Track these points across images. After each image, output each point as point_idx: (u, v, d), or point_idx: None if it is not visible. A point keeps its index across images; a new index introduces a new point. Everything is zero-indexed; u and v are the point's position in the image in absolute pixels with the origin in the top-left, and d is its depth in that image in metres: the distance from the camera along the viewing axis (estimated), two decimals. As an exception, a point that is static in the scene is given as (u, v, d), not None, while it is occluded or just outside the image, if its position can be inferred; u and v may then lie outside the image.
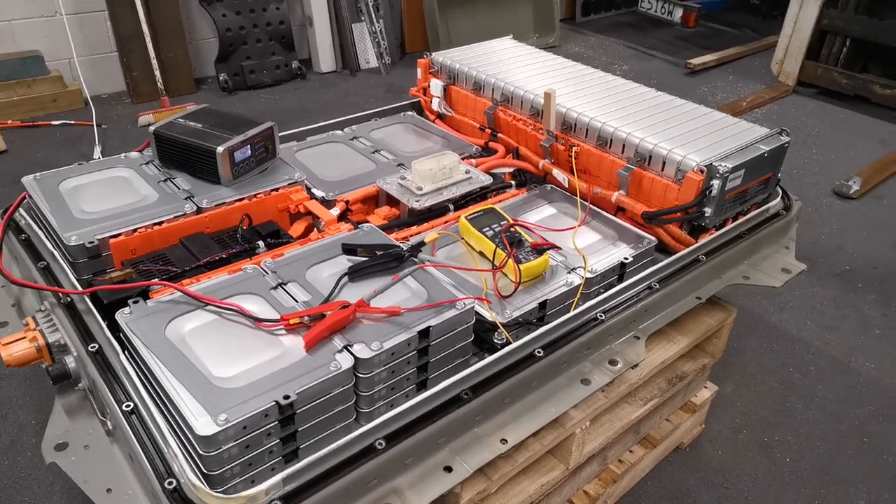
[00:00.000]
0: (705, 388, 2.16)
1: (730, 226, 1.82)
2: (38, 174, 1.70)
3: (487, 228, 1.61)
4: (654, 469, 2.11)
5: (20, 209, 1.68)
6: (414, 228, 1.72)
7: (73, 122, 4.14)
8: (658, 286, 1.61)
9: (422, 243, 1.52)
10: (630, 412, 1.74)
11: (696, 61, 5.65)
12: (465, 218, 1.63)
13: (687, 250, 1.70)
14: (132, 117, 4.25)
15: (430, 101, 2.36)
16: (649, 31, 6.60)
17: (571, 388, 1.43)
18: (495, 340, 1.40)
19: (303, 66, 5.00)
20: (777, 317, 2.82)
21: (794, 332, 2.73)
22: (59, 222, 1.52)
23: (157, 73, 4.33)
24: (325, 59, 5.14)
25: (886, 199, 3.79)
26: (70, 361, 1.29)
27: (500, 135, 2.15)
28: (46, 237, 1.55)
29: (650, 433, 2.02)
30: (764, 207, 1.91)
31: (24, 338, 1.32)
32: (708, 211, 1.73)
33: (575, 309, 1.49)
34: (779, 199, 1.96)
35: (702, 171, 1.68)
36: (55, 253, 1.48)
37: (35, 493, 1.98)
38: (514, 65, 2.29)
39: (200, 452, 1.05)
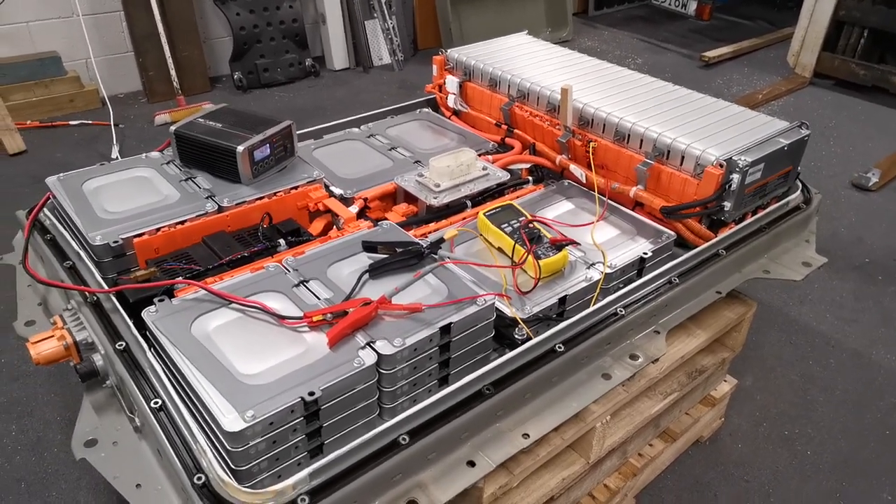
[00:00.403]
0: (725, 381, 2.16)
1: (749, 220, 1.81)
2: (61, 175, 1.72)
3: (506, 224, 1.61)
4: (673, 462, 2.11)
5: (45, 209, 1.70)
6: (432, 225, 1.73)
7: (90, 121, 4.18)
8: (678, 281, 1.61)
9: (441, 240, 1.52)
10: (650, 406, 1.74)
11: (710, 54, 5.60)
12: (484, 214, 1.64)
13: (706, 245, 1.69)
14: (148, 116, 4.28)
15: (446, 98, 2.36)
16: (663, 24, 6.55)
17: (592, 382, 1.44)
18: (516, 336, 1.40)
19: (316, 63, 5.02)
20: (796, 310, 2.80)
21: (814, 325, 2.72)
22: (83, 222, 1.54)
23: (173, 72, 4.37)
24: (339, 56, 5.16)
25: (906, 190, 3.75)
26: (97, 359, 1.31)
27: (516, 131, 2.15)
28: (71, 237, 1.58)
29: (670, 427, 2.02)
30: (784, 201, 1.90)
31: (53, 336, 1.34)
32: (727, 205, 1.72)
33: (595, 304, 1.49)
34: (798, 192, 1.94)
35: (721, 166, 1.68)
36: (80, 252, 1.51)
37: (62, 489, 2.01)
38: (529, 60, 2.29)
39: (228, 448, 1.07)
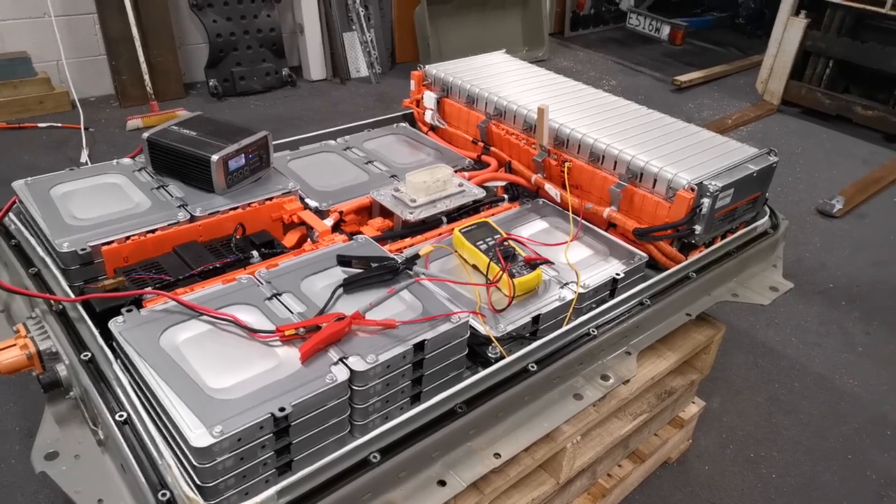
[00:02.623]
0: (693, 403, 2.18)
1: (719, 243, 1.84)
2: (29, 179, 1.68)
3: (481, 242, 1.62)
4: (642, 483, 2.12)
5: (10, 214, 1.66)
6: (408, 240, 1.73)
7: (59, 124, 4.10)
8: (649, 302, 1.62)
9: (416, 256, 1.52)
10: (620, 427, 1.76)
11: (682, 78, 5.72)
12: (459, 231, 1.64)
13: (677, 267, 1.72)
14: (120, 121, 4.22)
15: (423, 113, 2.37)
16: (637, 47, 6.68)
17: (564, 402, 1.44)
18: (489, 354, 1.40)
19: (293, 73, 5.00)
20: (763, 333, 2.85)
21: (780, 349, 2.77)
22: (50, 228, 1.51)
23: (147, 76, 4.31)
24: (316, 67, 5.15)
25: (869, 217, 3.86)
26: (61, 370, 1.28)
27: (492, 148, 2.17)
28: (38, 243, 1.54)
29: (639, 448, 2.03)
30: (752, 226, 1.94)
31: (15, 345, 1.30)
32: (698, 228, 1.75)
33: (568, 324, 1.50)
34: (766, 217, 1.99)
35: (692, 190, 1.71)
36: (46, 259, 1.47)
37: (19, 502, 1.94)
38: (507, 79, 2.31)
39: (195, 464, 1.04)
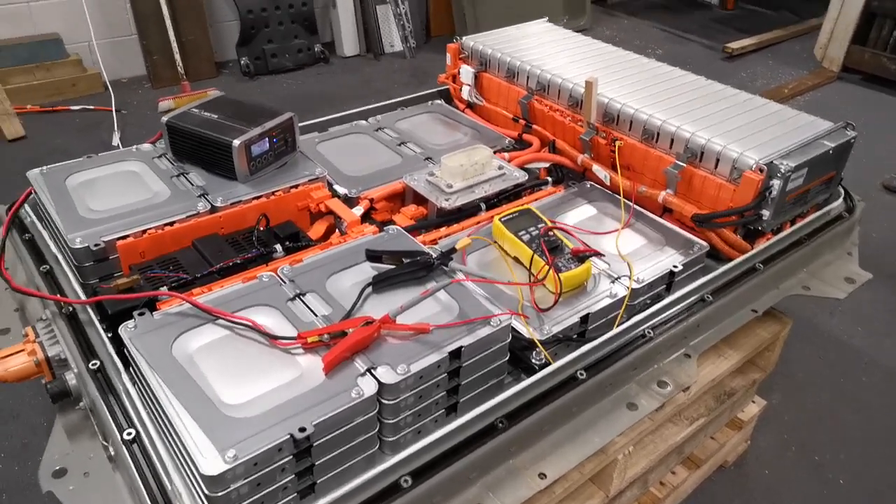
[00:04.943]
0: (752, 402, 2.02)
1: (788, 230, 1.66)
2: (44, 168, 1.59)
3: (523, 232, 1.47)
4: (696, 490, 1.97)
5: (25, 205, 1.57)
6: (443, 230, 1.59)
7: (92, 107, 4.06)
8: (711, 298, 1.46)
9: (452, 250, 1.38)
10: (675, 433, 1.61)
11: (734, 45, 5.41)
12: (500, 220, 1.50)
13: (743, 257, 1.55)
14: (152, 102, 4.14)
15: (460, 89, 2.21)
16: (684, 13, 6.35)
17: (617, 413, 1.30)
18: (533, 361, 1.26)
19: (326, 49, 4.87)
20: (826, 322, 2.65)
21: (846, 340, 2.57)
22: (63, 222, 1.41)
23: (177, 56, 4.23)
24: (349, 42, 5.00)
25: (941, 193, 3.57)
26: (71, 378, 1.19)
27: (535, 126, 2.00)
28: (51, 238, 1.45)
29: (694, 453, 1.89)
30: (825, 209, 1.75)
31: (23, 350, 1.22)
32: (766, 214, 1.57)
33: (620, 324, 1.35)
34: (841, 199, 1.79)
35: (761, 170, 1.53)
36: (58, 256, 1.38)
37: (46, 501, 1.90)
38: (550, 50, 2.13)
39: (206, 493, 0.94)
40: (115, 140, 3.68)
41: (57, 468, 1.11)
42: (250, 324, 1.16)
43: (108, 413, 1.08)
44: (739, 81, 4.93)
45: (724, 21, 6.17)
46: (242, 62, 4.58)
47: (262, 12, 4.54)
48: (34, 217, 1.53)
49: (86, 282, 1.36)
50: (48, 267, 1.39)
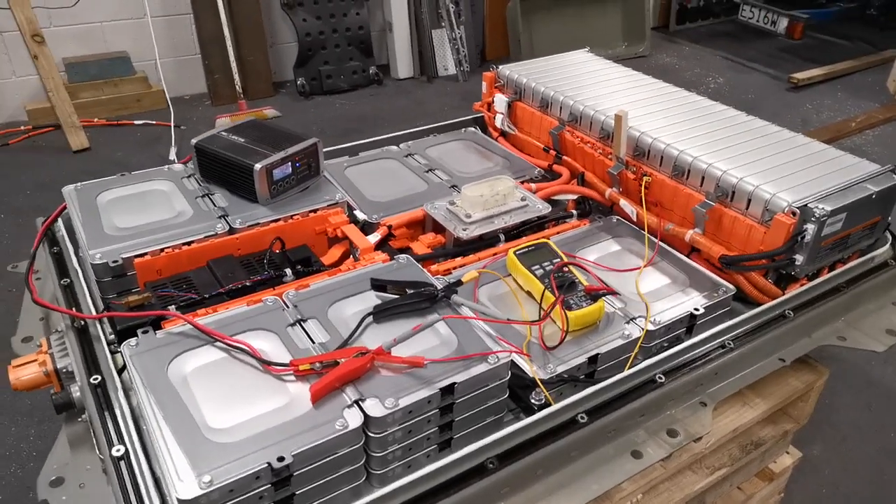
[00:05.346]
0: (787, 453, 1.90)
1: (825, 276, 1.57)
2: (79, 184, 1.66)
3: (538, 266, 1.44)
4: (719, 544, 1.87)
5: (59, 219, 1.64)
6: (458, 260, 1.57)
7: (153, 122, 4.24)
8: (732, 345, 1.39)
9: (459, 282, 1.37)
10: (694, 482, 1.52)
11: (800, 76, 5.22)
12: (514, 253, 1.47)
13: (771, 303, 1.47)
14: (211, 119, 4.31)
15: (494, 118, 2.20)
16: (750, 41, 6.18)
17: (619, 461, 1.24)
18: (532, 400, 1.23)
19: (380, 71, 4.96)
20: (879, 370, 2.49)
21: (899, 391, 2.41)
22: (87, 237, 1.47)
23: (236, 75, 4.38)
24: (403, 65, 5.08)
25: None
26: (75, 390, 1.22)
27: (565, 158, 1.97)
28: (75, 253, 1.50)
29: (717, 503, 1.78)
30: (869, 255, 1.64)
31: (35, 361, 1.26)
32: (799, 259, 1.49)
33: (631, 366, 1.30)
34: (888, 245, 1.68)
35: (794, 214, 1.45)
36: (79, 270, 1.43)
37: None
38: (587, 80, 2.10)
39: (180, 518, 0.94)
40: (172, 154, 3.83)
41: (54, 478, 1.14)
42: (246, 348, 1.17)
43: (101, 428, 1.10)
44: (804, 113, 4.75)
45: (791, 50, 5.97)
46: (299, 82, 4.71)
47: (319, 35, 4.67)
48: (65, 232, 1.59)
49: (105, 297, 1.41)
50: (68, 281, 1.44)
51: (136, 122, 4.23)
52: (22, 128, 4.08)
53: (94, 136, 4.03)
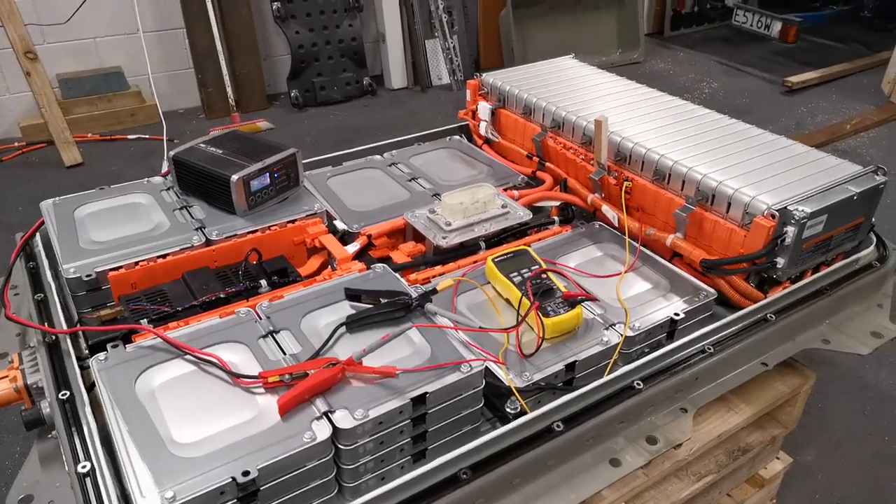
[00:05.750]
0: (777, 459, 1.88)
1: (808, 278, 1.55)
2: (57, 199, 1.66)
3: (516, 273, 1.42)
4: (710, 552, 1.84)
5: (38, 234, 1.64)
6: (438, 268, 1.56)
7: (147, 136, 4.25)
8: (712, 349, 1.37)
9: (434, 291, 1.35)
10: (679, 489, 1.50)
11: (794, 79, 5.21)
12: (493, 260, 1.46)
13: (752, 307, 1.45)
14: (204, 132, 4.30)
15: (478, 125, 2.20)
16: (744, 45, 6.18)
17: (597, 469, 1.23)
18: (507, 409, 1.21)
19: (374, 82, 4.96)
20: (873, 373, 2.46)
21: (893, 394, 2.37)
22: (62, 252, 1.46)
23: (229, 88, 4.39)
24: (397, 75, 5.09)
25: None
26: (45, 407, 1.21)
27: (548, 164, 1.96)
28: (49, 267, 1.50)
29: (706, 510, 1.76)
30: (853, 258, 1.63)
31: (6, 377, 1.25)
32: (781, 262, 1.47)
33: (610, 373, 1.29)
34: (872, 247, 1.67)
35: (773, 216, 1.44)
36: (52, 285, 1.42)
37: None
38: (570, 87, 2.10)
39: (142, 534, 0.93)
40: (164, 168, 3.82)
41: (23, 496, 1.12)
42: (216, 361, 1.16)
43: (67, 445, 1.09)
44: (799, 116, 4.74)
45: (785, 54, 5.97)
46: (292, 94, 4.72)
47: (312, 47, 4.68)
48: (42, 246, 1.59)
49: (80, 311, 1.40)
50: (42, 296, 1.43)
51: (129, 136, 4.24)
52: (16, 144, 4.09)
53: (88, 151, 4.04)
